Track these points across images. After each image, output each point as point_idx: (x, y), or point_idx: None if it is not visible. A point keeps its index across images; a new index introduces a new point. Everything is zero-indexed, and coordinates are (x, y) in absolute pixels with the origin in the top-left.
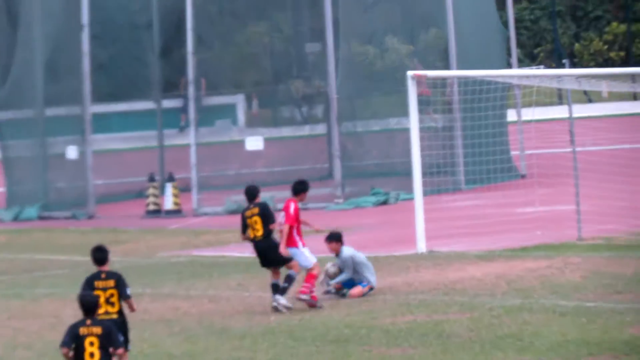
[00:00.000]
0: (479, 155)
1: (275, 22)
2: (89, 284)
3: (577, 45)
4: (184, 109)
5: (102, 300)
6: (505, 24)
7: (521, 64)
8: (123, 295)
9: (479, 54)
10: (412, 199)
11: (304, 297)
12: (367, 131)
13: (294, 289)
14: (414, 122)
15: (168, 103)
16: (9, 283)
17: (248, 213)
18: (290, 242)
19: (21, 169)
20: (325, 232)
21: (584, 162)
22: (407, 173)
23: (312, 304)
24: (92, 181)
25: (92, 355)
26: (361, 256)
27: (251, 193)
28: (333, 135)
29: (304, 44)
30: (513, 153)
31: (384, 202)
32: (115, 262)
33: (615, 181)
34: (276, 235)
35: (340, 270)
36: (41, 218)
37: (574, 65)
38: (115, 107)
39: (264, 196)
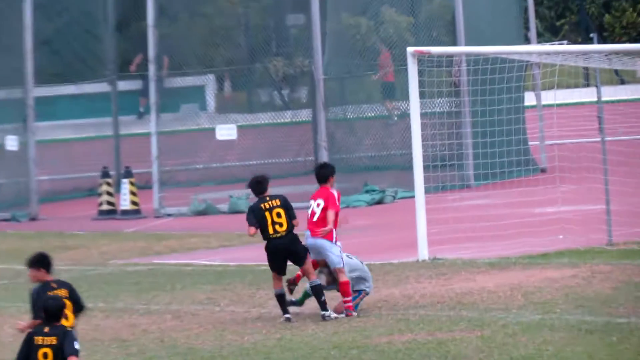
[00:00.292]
0: (491, 146)
1: None
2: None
3: (607, 16)
4: (143, 92)
5: None
6: None
7: (541, 38)
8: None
9: (491, 27)
10: (412, 197)
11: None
12: (360, 118)
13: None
14: (414, 106)
15: (125, 85)
16: None
17: (267, 205)
18: (328, 235)
19: None
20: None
21: (615, 154)
22: (407, 167)
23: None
24: (35, 177)
25: None
26: (352, 262)
27: (262, 184)
28: (319, 123)
29: (285, 15)
30: (531, 143)
31: (380, 201)
32: (61, 271)
33: None
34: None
35: (334, 279)
36: None
37: (603, 40)
38: (63, 89)
39: (237, 194)
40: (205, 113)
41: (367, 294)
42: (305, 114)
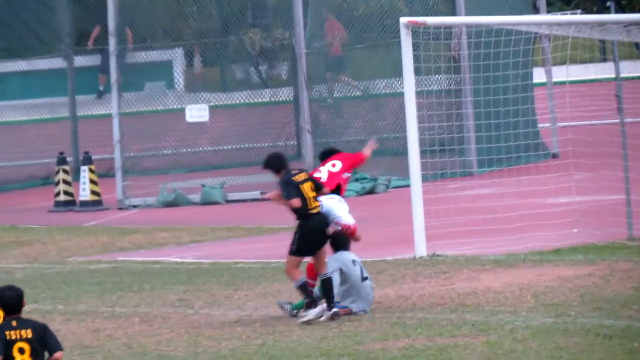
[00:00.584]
0: (495, 129)
1: None
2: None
3: None
4: (103, 69)
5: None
6: None
7: (551, 8)
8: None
9: None
10: (407, 186)
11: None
12: (347, 97)
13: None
14: (409, 84)
15: (82, 61)
16: None
17: (297, 179)
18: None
19: None
20: None
21: (635, 137)
22: (401, 152)
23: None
24: None
25: None
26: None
27: (284, 158)
28: (302, 103)
29: None
30: (541, 126)
31: (371, 191)
32: (16, 270)
33: None
34: None
35: None
36: None
37: (621, 9)
38: (12, 66)
39: (210, 183)
40: (173, 92)
41: (353, 313)
42: (285, 93)
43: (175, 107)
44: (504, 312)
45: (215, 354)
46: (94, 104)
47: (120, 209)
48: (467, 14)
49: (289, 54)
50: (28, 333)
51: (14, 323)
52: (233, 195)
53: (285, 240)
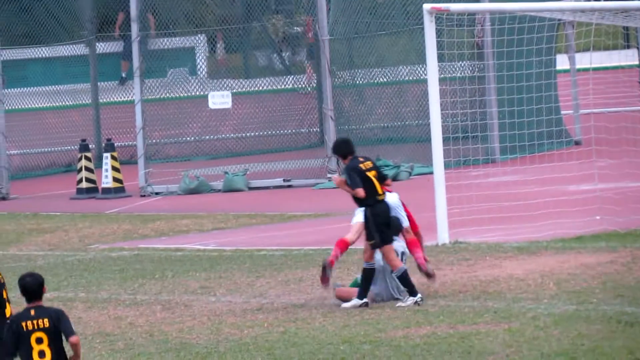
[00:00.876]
0: (518, 116)
1: None
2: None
3: None
4: (125, 55)
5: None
6: None
7: None
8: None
9: None
10: (430, 173)
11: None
12: (370, 83)
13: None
14: (432, 71)
15: (105, 47)
16: None
17: (364, 166)
18: None
19: None
20: None
21: None
22: (424, 139)
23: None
24: (4, 151)
25: (42, 354)
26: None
27: (351, 143)
28: (325, 89)
29: None
30: (564, 113)
31: (394, 178)
32: (38, 257)
33: None
34: None
35: None
36: None
37: None
38: (34, 52)
39: (233, 170)
40: (196, 78)
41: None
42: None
43: (197, 93)
44: (526, 299)
45: (237, 341)
46: (117, 91)
47: (143, 196)
48: (491, 0)
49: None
50: (45, 322)
51: (32, 312)
52: (256, 183)
53: (307, 228)
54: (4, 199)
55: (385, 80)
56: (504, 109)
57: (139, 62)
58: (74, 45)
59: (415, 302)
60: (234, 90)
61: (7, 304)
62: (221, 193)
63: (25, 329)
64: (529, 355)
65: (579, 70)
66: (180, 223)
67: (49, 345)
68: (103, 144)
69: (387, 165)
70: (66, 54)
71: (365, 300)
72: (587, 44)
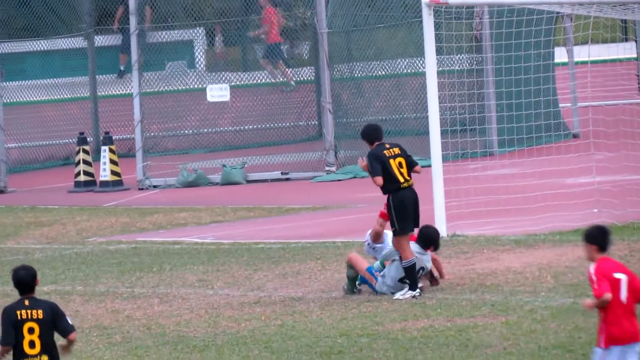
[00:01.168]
0: (516, 109)
1: None
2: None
3: None
4: (124, 48)
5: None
6: None
7: None
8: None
9: None
10: (428, 166)
11: None
12: (368, 76)
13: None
14: (430, 64)
15: (103, 40)
16: None
17: (389, 153)
18: None
19: None
20: None
21: None
22: (422, 132)
23: None
24: (2, 144)
25: (31, 344)
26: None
27: (380, 130)
28: (323, 82)
29: None
30: (562, 105)
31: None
32: (35, 250)
33: None
34: None
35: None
36: None
37: None
38: (32, 45)
39: (231, 163)
40: (194, 71)
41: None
42: (307, 73)
43: (196, 86)
44: (524, 292)
45: (234, 334)
46: (115, 84)
47: (141, 189)
48: None
49: (310, 34)
50: (39, 313)
51: (26, 302)
52: (254, 176)
53: (305, 221)
54: (1, 192)
55: (383, 73)
56: (502, 101)
57: (137, 55)
58: (72, 38)
59: (413, 296)
60: (232, 84)
61: None
62: (219, 186)
63: (19, 318)
64: (526, 348)
65: (577, 63)
66: (178, 216)
67: (40, 336)
68: (101, 137)
69: None
70: (65, 47)
71: (417, 290)
72: (586, 36)
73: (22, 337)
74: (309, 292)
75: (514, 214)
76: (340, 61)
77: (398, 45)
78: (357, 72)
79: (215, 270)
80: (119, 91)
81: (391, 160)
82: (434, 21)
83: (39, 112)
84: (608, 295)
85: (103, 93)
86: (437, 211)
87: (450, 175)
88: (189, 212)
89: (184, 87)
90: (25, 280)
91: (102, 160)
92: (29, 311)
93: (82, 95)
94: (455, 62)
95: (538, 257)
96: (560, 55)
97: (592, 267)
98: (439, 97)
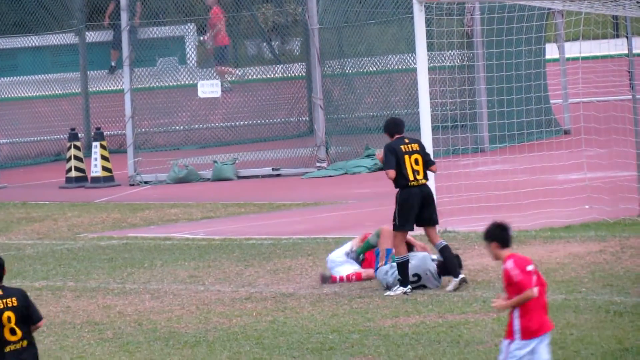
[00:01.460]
0: (507, 105)
1: None
2: None
3: None
4: (115, 44)
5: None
6: None
7: None
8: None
9: None
10: None
11: None
12: (360, 72)
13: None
14: (421, 60)
15: (94, 36)
16: None
17: (406, 148)
18: None
19: None
20: None
21: None
22: (413, 128)
23: None
24: None
25: (12, 332)
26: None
27: (401, 124)
28: (314, 78)
29: None
30: (553, 102)
31: (383, 167)
32: (26, 246)
33: None
34: None
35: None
36: None
37: None
38: (24, 41)
39: (222, 159)
40: (185, 67)
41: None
42: (298, 69)
43: (187, 82)
44: None
45: (225, 330)
46: (106, 80)
47: (132, 185)
48: None
49: (302, 30)
50: (14, 301)
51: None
52: (245, 172)
53: (295, 217)
54: None
55: (374, 69)
56: (493, 98)
57: (128, 51)
58: (63, 34)
59: (404, 293)
60: (224, 80)
61: None
62: (210, 182)
63: None
64: None
65: (568, 59)
66: (169, 212)
67: (16, 324)
68: (92, 133)
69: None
70: (56, 43)
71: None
72: (577, 33)
73: (3, 325)
74: (300, 288)
75: (505, 210)
76: (332, 57)
77: (389, 42)
78: (348, 68)
79: (207, 266)
80: (110, 87)
81: (406, 156)
82: (425, 17)
83: (30, 108)
84: (535, 290)
85: (94, 89)
86: None
87: (442, 172)
88: (180, 208)
89: (175, 83)
90: None
91: (93, 156)
92: (3, 300)
93: (73, 91)
94: (447, 58)
95: (529, 254)
96: (551, 51)
97: (508, 265)
98: (430, 93)
